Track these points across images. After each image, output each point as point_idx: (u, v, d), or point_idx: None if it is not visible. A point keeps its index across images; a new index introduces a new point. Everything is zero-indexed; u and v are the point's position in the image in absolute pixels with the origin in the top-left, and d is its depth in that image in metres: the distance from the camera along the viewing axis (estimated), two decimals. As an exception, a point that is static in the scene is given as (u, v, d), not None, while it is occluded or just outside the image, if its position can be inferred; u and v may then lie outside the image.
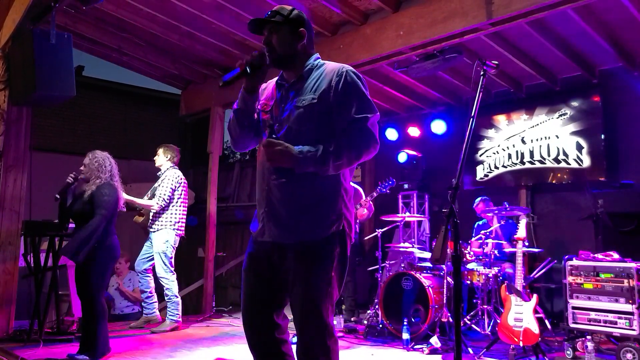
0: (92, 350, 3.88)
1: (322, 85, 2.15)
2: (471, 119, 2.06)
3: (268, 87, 2.36)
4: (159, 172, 5.72)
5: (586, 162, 6.22)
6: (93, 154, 4.06)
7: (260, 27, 2.23)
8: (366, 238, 7.22)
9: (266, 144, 2.07)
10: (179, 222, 5.62)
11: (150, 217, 5.59)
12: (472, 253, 5.46)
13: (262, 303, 2.24)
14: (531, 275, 5.23)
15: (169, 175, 5.63)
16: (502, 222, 5.66)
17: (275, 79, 2.35)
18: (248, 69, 2.10)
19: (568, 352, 4.41)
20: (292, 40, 2.21)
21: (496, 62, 2.17)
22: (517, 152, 6.84)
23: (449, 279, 5.16)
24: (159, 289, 5.68)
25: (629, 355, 4.02)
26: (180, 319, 5.58)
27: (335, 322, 2.19)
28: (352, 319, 6.04)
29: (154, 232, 5.54)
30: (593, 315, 4.35)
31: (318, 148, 2.05)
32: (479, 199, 6.13)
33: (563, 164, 6.41)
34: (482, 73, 2.18)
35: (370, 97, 2.18)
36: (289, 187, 2.14)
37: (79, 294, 3.98)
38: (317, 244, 2.13)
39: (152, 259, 5.57)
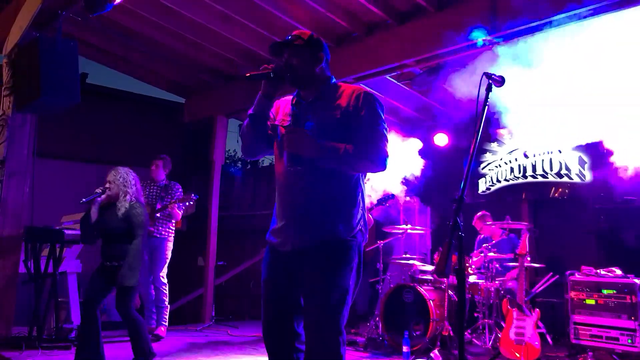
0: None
1: (342, 103, 2.29)
2: (476, 133, 2.06)
3: (283, 104, 2.47)
4: (160, 183, 5.77)
5: (588, 177, 6.22)
6: (116, 170, 4.14)
7: (280, 50, 2.37)
8: (367, 249, 7.20)
9: (289, 130, 2.21)
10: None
11: (160, 225, 5.62)
12: (473, 266, 5.45)
13: (282, 312, 2.28)
14: (533, 290, 5.20)
15: (178, 188, 5.74)
16: (504, 236, 5.64)
17: (289, 97, 2.47)
18: (272, 74, 2.27)
19: (569, 368, 4.38)
20: (312, 63, 2.35)
21: (502, 75, 2.17)
22: (519, 165, 6.84)
23: (450, 292, 5.14)
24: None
25: (631, 373, 3.99)
26: (165, 324, 5.62)
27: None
28: (352, 331, 6.01)
29: (162, 239, 5.59)
30: (595, 331, 4.33)
31: (340, 146, 2.19)
32: (477, 215, 6.11)
33: (565, 179, 6.40)
34: (487, 87, 2.18)
35: (384, 118, 2.32)
36: (313, 188, 2.25)
37: (120, 313, 4.01)
38: (338, 246, 2.20)
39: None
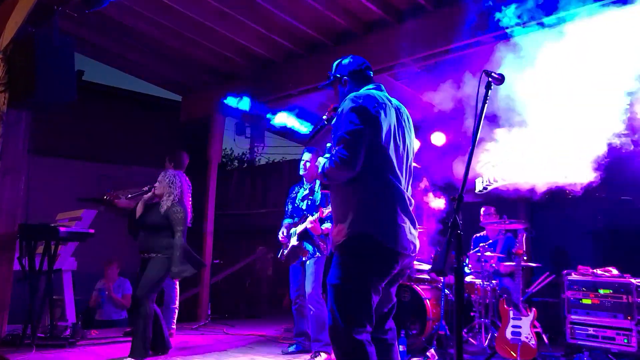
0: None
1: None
2: (475, 132, 2.05)
3: None
4: None
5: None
6: (165, 172, 4.55)
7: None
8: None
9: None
10: None
11: None
12: (470, 266, 5.44)
13: None
14: (529, 289, 5.20)
15: None
16: (501, 236, 5.64)
17: None
18: (325, 122, 2.56)
19: (566, 368, 4.38)
20: (341, 89, 2.64)
21: (502, 73, 2.15)
22: (517, 165, 6.82)
23: (447, 291, 5.13)
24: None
25: (627, 373, 3.99)
26: (174, 327, 5.51)
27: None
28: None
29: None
30: (591, 330, 4.33)
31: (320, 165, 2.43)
32: (483, 208, 6.08)
33: (563, 179, 6.38)
34: (486, 85, 2.16)
35: (353, 115, 2.31)
36: (330, 197, 2.57)
37: (135, 300, 4.27)
38: (338, 248, 2.41)
39: None
